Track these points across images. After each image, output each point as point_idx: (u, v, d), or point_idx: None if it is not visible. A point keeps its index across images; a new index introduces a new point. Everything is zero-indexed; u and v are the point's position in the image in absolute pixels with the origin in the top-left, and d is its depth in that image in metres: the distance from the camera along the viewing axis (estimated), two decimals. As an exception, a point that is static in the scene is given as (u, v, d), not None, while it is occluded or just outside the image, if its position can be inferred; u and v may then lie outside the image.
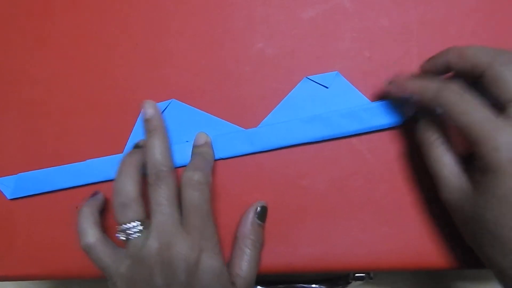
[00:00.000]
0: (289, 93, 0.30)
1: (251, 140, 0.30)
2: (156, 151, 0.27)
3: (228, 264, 0.28)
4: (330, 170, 0.30)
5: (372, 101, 0.30)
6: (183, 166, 0.30)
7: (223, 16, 0.31)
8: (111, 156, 0.31)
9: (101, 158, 0.31)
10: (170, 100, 0.31)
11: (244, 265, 0.27)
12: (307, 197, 0.30)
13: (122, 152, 0.31)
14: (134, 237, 0.26)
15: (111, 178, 0.31)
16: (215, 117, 0.31)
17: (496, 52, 0.23)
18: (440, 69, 0.26)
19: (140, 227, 0.26)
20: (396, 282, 0.56)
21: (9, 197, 0.32)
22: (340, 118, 0.29)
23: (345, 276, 0.42)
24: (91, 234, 0.27)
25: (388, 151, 0.30)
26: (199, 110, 0.31)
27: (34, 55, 0.33)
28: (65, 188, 0.31)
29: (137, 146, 0.30)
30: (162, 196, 0.26)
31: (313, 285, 0.44)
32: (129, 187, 0.26)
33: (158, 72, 0.31)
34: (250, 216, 0.29)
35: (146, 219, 0.27)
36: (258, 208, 0.29)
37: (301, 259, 0.30)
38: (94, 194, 0.30)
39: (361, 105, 0.29)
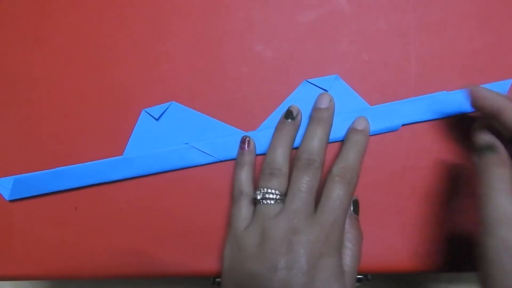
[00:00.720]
0: (289, 96, 0.30)
1: None
2: (316, 140, 0.28)
3: None
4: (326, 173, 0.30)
5: (371, 105, 0.30)
6: (180, 169, 0.31)
7: (222, 18, 0.32)
8: (109, 159, 0.31)
9: (100, 161, 0.31)
10: (170, 103, 0.31)
11: (348, 260, 0.26)
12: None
13: (121, 154, 0.31)
14: (267, 203, 0.27)
15: (110, 180, 0.31)
16: (214, 119, 0.31)
17: None
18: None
19: (278, 197, 0.27)
20: (393, 284, 0.56)
21: (7, 198, 0.32)
22: (340, 122, 0.29)
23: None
24: (246, 184, 0.28)
25: (384, 156, 0.30)
26: (199, 113, 0.31)
27: (33, 55, 0.33)
28: (64, 190, 0.31)
29: (289, 113, 0.29)
30: (307, 184, 0.26)
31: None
32: (282, 161, 0.28)
33: (157, 73, 0.32)
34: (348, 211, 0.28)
35: (284, 195, 0.27)
36: (354, 200, 0.29)
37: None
38: (248, 143, 0.30)
39: (360, 109, 0.30)
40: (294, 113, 0.29)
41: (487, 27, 0.30)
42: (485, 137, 0.25)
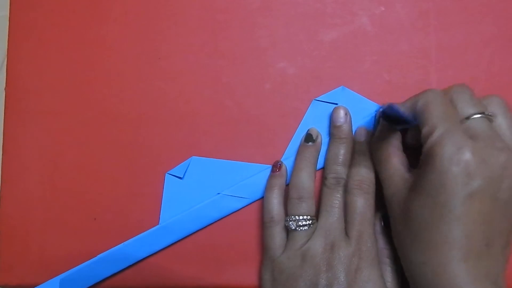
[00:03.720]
0: (303, 119, 0.31)
1: None
2: (340, 160, 0.28)
3: None
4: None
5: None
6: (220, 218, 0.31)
7: (247, 35, 0.32)
8: (149, 231, 0.30)
9: (140, 235, 0.30)
10: (190, 159, 0.31)
11: (389, 277, 0.27)
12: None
13: (152, 219, 0.30)
14: (301, 229, 0.27)
15: (154, 252, 0.30)
16: (237, 162, 0.31)
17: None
18: None
19: (310, 222, 0.27)
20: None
21: None
22: None
23: None
24: (277, 210, 0.29)
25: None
26: (220, 160, 0.31)
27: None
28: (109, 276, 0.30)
29: (309, 137, 0.29)
30: (338, 200, 0.27)
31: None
32: (307, 184, 0.28)
33: (178, 87, 0.32)
34: (378, 227, 0.28)
35: (315, 216, 0.28)
36: (380, 216, 0.28)
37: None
38: (280, 167, 0.30)
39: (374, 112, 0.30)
40: (314, 136, 0.29)
41: (507, 50, 0.30)
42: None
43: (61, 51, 0.33)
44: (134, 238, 0.30)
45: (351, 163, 0.29)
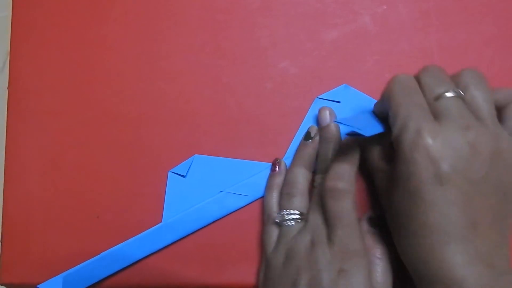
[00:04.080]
0: (305, 117, 0.31)
1: None
2: (329, 159, 0.28)
3: None
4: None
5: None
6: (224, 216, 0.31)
7: (247, 35, 0.32)
8: (152, 229, 0.30)
9: (143, 234, 0.30)
10: (192, 157, 0.31)
11: (378, 277, 0.25)
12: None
13: (155, 217, 0.30)
14: (289, 224, 0.27)
15: (157, 250, 0.30)
16: (240, 160, 0.31)
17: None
18: None
19: (298, 216, 0.27)
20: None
21: None
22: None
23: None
24: (275, 208, 0.28)
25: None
26: (223, 158, 0.31)
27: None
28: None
29: (308, 134, 0.29)
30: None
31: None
32: (301, 180, 0.28)
33: (178, 87, 0.32)
34: (365, 226, 0.27)
35: (306, 214, 0.27)
36: (370, 216, 0.28)
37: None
38: (278, 164, 0.30)
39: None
40: (312, 134, 0.29)
41: (508, 50, 0.30)
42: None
43: (62, 51, 0.33)
44: (137, 236, 0.30)
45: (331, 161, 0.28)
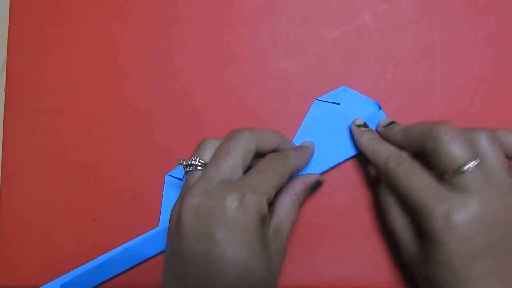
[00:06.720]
0: (305, 118, 0.30)
1: None
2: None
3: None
4: (349, 191, 0.30)
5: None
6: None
7: (248, 34, 0.31)
8: (148, 233, 0.30)
9: (140, 238, 0.30)
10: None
11: (280, 212, 0.25)
12: (326, 217, 0.30)
13: (152, 222, 0.30)
14: (189, 170, 0.25)
15: (154, 254, 0.30)
16: None
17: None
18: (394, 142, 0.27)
19: (199, 163, 0.24)
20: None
21: None
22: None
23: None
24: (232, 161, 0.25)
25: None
26: None
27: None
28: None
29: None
30: (226, 149, 0.24)
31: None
32: (235, 156, 0.24)
33: (179, 85, 0.31)
34: (309, 181, 0.27)
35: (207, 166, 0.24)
36: (317, 181, 0.28)
37: (320, 279, 0.29)
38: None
39: (375, 112, 0.30)
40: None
41: (512, 48, 0.30)
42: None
43: (61, 51, 0.33)
44: (134, 241, 0.30)
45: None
